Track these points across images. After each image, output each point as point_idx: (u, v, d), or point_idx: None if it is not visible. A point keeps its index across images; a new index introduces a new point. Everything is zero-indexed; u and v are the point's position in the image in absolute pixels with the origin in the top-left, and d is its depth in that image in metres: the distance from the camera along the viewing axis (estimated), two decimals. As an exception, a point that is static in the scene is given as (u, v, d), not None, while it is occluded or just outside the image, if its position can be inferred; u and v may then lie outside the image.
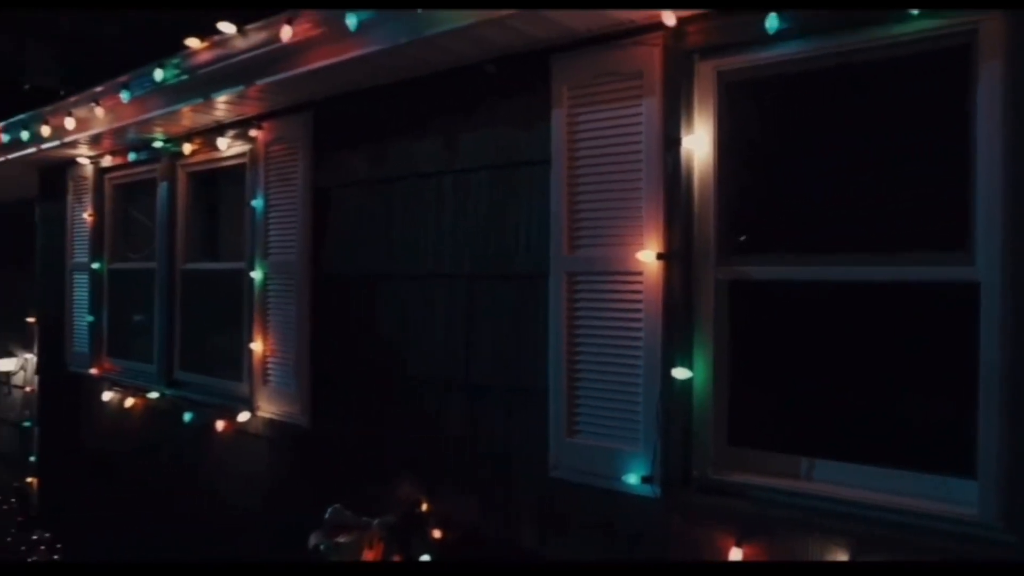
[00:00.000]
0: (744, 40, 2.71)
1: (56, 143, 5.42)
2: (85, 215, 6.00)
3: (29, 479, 8.54)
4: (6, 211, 9.09)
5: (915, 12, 2.37)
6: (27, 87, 12.82)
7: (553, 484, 3.17)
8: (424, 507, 3.62)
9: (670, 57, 2.86)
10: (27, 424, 8.65)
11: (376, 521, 3.56)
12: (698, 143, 2.83)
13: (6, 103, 7.11)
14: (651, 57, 2.89)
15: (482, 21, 2.91)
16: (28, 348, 8.71)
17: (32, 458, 8.55)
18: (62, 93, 5.69)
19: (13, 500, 8.54)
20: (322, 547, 3.65)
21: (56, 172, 6.30)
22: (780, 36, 2.62)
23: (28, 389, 8.69)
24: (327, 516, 3.66)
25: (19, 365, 8.84)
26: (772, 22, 2.59)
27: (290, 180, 4.28)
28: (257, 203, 4.44)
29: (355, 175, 4.00)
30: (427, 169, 3.65)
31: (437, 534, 3.51)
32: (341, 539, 3.64)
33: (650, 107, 2.88)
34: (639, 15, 2.84)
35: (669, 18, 2.79)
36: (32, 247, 8.18)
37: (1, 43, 10.34)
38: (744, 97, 2.84)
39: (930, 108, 2.53)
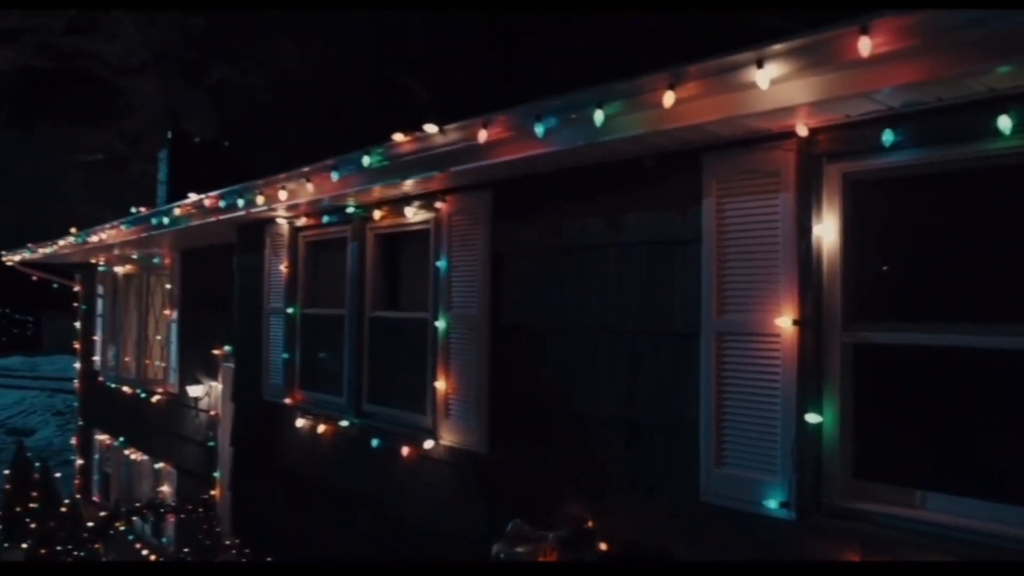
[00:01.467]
0: (865, 149, 3.35)
1: (265, 208, 6.45)
2: (281, 267, 7.03)
3: (213, 492, 9.70)
4: (197, 257, 10.39)
5: (1007, 131, 2.96)
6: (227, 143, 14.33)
7: (703, 507, 3.83)
8: (590, 523, 4.34)
9: (802, 160, 3.52)
10: (211, 443, 9.82)
11: (551, 534, 4.29)
12: (826, 230, 3.48)
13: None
14: (786, 159, 3.55)
15: (650, 132, 3.65)
16: (213, 377, 9.91)
17: (216, 474, 9.70)
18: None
19: (200, 510, 9.71)
20: (503, 555, 4.40)
21: (255, 229, 7.38)
22: (895, 147, 3.25)
23: (212, 413, 9.87)
24: (508, 529, 4.41)
25: (205, 391, 10.03)
26: (888, 136, 3.23)
27: (471, 246, 5.11)
28: (441, 264, 5.30)
29: (529, 244, 4.79)
30: (594, 242, 4.40)
31: (603, 546, 4.21)
32: (520, 549, 4.39)
33: (785, 200, 3.55)
34: (776, 125, 3.51)
35: (802, 129, 3.45)
36: (219, 289, 9.38)
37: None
38: (866, 193, 3.47)
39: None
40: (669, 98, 3.38)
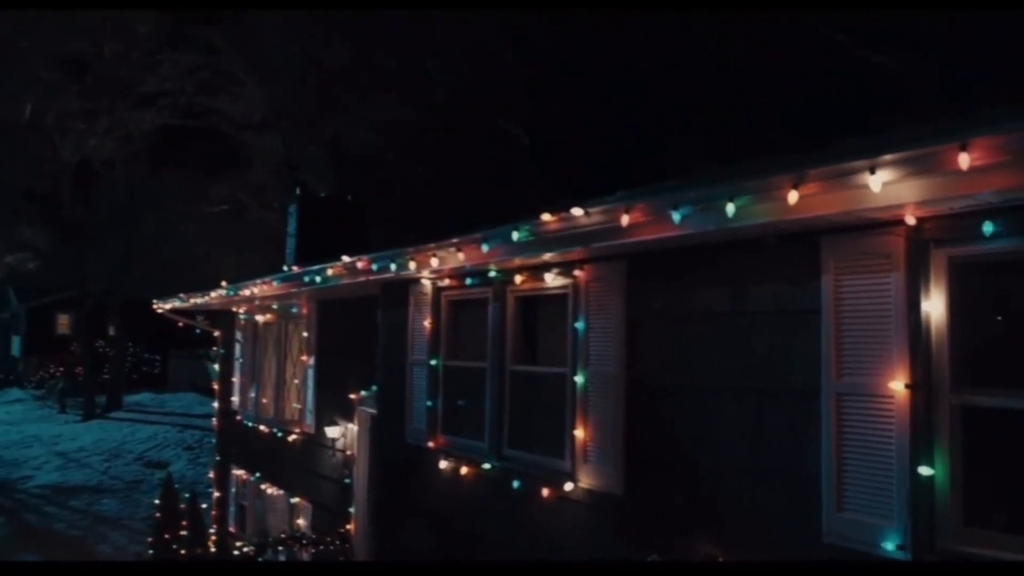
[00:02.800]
0: (967, 237, 3.88)
1: (413, 272, 7.27)
2: (425, 323, 7.84)
3: (348, 527, 10.54)
4: (334, 308, 11.37)
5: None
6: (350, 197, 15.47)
7: (825, 547, 4.35)
8: (720, 559, 4.88)
9: (911, 244, 4.06)
10: (347, 481, 10.67)
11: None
12: (934, 306, 4.00)
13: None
14: (897, 244, 4.10)
15: (776, 220, 4.26)
16: (348, 419, 10.80)
17: (351, 509, 10.55)
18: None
19: (337, 543, 10.56)
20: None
21: (399, 287, 8.22)
22: (994, 236, 3.77)
23: (348, 452, 10.74)
24: (648, 561, 5.00)
25: (341, 432, 10.91)
26: (988, 227, 3.75)
27: (606, 310, 5.77)
28: (580, 325, 5.97)
29: (661, 309, 5.43)
30: (721, 310, 5.01)
31: (733, 581, 4.76)
32: (657, 581, 4.97)
33: (896, 279, 4.09)
34: (887, 215, 4.07)
35: (910, 219, 4.00)
36: (355, 338, 10.29)
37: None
38: (969, 273, 3.99)
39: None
40: (793, 196, 3.99)
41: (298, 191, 17.71)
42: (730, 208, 4.31)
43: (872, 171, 3.66)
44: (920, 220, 4.01)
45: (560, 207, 5.37)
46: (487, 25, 27.10)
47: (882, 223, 4.16)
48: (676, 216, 4.62)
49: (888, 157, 3.61)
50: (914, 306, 4.04)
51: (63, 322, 42.52)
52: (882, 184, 3.68)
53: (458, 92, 28.64)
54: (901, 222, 4.06)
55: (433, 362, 7.76)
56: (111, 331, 36.96)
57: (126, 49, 29.56)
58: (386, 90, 30.24)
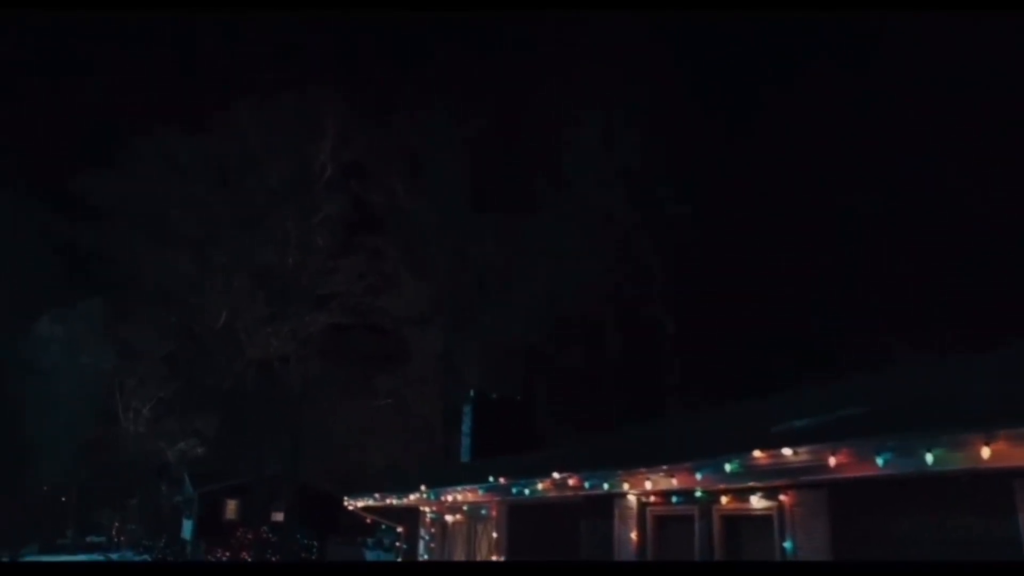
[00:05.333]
0: None
1: (625, 491, 8.27)
2: (631, 535, 8.74)
3: None
4: (524, 511, 12.36)
5: None
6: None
7: None
8: None
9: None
10: None
11: None
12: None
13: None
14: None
15: (976, 467, 5.11)
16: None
17: None
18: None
19: None
20: None
21: (603, 500, 9.20)
22: None
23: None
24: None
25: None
26: None
27: (811, 532, 6.58)
28: (787, 544, 6.79)
29: (863, 532, 6.21)
30: (920, 536, 5.77)
31: None
32: None
33: (1087, 521, 4.83)
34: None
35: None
36: (545, 540, 11.18)
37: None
38: None
39: None
40: (986, 452, 4.87)
41: (472, 393, 19.19)
42: (928, 457, 5.20)
43: (1055, 437, 4.53)
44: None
45: (771, 445, 6.35)
46: (632, 218, 28.99)
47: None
48: (879, 460, 5.52)
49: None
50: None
51: (231, 507, 44.94)
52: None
53: (605, 282, 30.31)
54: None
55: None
56: (277, 517, 38.95)
57: (306, 258, 33.03)
58: (537, 283, 32.35)
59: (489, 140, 32.22)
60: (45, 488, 57.05)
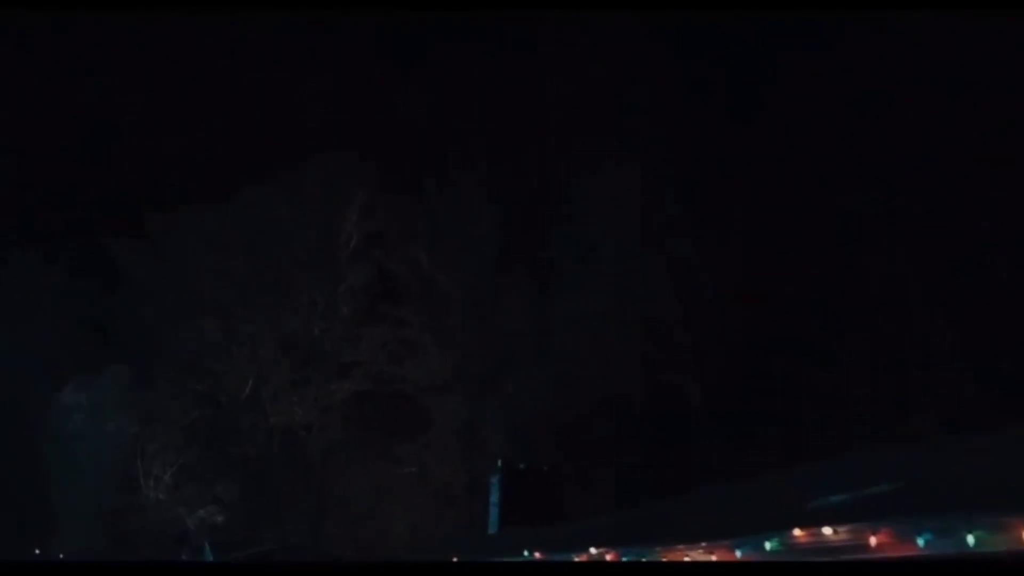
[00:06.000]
0: None
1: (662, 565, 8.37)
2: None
3: None
4: None
5: None
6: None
7: None
8: None
9: None
10: None
11: None
12: None
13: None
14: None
15: (1013, 549, 5.23)
16: None
17: None
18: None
19: None
20: None
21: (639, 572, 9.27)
22: None
23: None
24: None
25: None
26: None
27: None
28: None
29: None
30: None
31: None
32: None
33: None
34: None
35: None
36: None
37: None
38: None
39: None
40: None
41: (500, 463, 19.28)
42: (970, 539, 5.34)
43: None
44: None
45: (810, 522, 6.49)
46: (660, 288, 29.17)
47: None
48: (920, 541, 5.65)
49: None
50: None
51: (251, 577, 44.59)
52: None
53: (632, 351, 30.37)
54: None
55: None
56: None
57: (331, 327, 33.44)
58: (558, 350, 32.51)
59: (514, 208, 32.80)
60: (61, 556, 56.72)
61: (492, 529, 18.08)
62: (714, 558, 7.53)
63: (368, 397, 35.29)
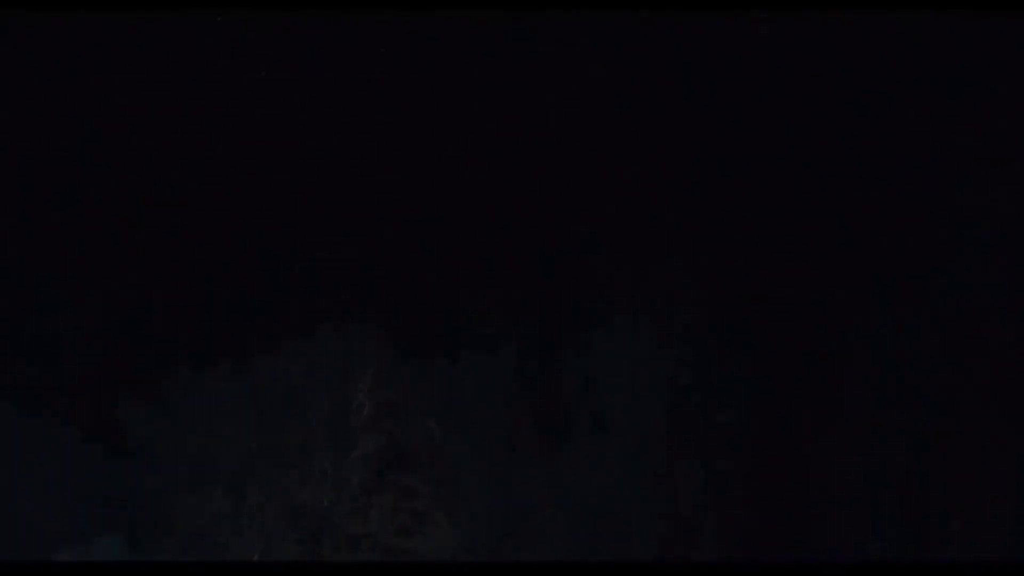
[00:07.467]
0: None
1: None
2: None
3: None
4: None
5: None
6: None
7: None
8: None
9: None
10: None
11: None
12: None
13: None
14: None
15: None
16: None
17: None
18: None
19: None
20: None
21: None
22: None
23: None
24: None
25: None
26: None
27: None
28: None
29: None
30: None
31: None
32: None
33: None
34: None
35: None
36: None
37: None
38: None
39: None
40: None
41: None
42: None
43: None
44: None
45: None
46: (678, 465, 28.92)
47: None
48: None
49: None
50: None
51: None
52: None
53: (648, 525, 29.78)
54: None
55: None
56: None
57: (340, 497, 32.84)
58: (574, 524, 31.86)
59: (526, 379, 32.99)
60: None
61: None
62: None
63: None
